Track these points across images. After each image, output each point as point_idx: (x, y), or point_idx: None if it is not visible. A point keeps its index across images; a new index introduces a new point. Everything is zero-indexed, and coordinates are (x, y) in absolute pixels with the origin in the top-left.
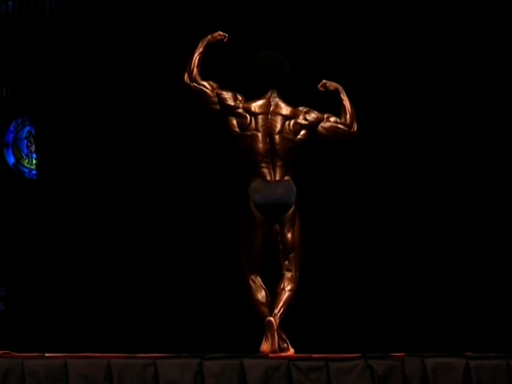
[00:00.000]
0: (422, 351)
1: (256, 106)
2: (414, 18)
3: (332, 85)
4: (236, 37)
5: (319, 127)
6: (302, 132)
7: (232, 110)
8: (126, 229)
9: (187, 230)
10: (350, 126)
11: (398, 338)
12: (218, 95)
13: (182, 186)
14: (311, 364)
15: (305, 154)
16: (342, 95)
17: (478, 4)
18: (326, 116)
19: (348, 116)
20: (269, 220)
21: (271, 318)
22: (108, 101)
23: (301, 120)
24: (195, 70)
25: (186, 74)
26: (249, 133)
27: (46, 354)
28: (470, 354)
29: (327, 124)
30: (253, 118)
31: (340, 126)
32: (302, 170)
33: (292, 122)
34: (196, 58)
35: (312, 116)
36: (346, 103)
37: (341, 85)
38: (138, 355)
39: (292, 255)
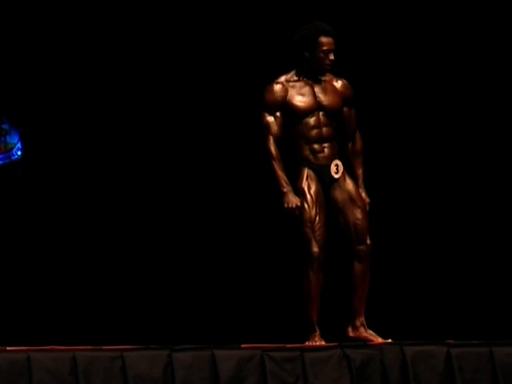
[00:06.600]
0: (402, 339)
1: None
2: (414, 17)
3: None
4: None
5: None
6: None
7: None
8: (103, 220)
9: (167, 222)
10: None
11: (377, 327)
12: None
13: (180, 182)
14: (285, 354)
15: None
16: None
17: (478, 4)
18: None
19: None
20: None
21: None
22: (100, 97)
23: None
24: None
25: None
26: None
27: (8, 348)
28: (451, 341)
29: None
30: None
31: None
32: None
33: None
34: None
35: None
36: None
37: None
38: (105, 347)
39: None
